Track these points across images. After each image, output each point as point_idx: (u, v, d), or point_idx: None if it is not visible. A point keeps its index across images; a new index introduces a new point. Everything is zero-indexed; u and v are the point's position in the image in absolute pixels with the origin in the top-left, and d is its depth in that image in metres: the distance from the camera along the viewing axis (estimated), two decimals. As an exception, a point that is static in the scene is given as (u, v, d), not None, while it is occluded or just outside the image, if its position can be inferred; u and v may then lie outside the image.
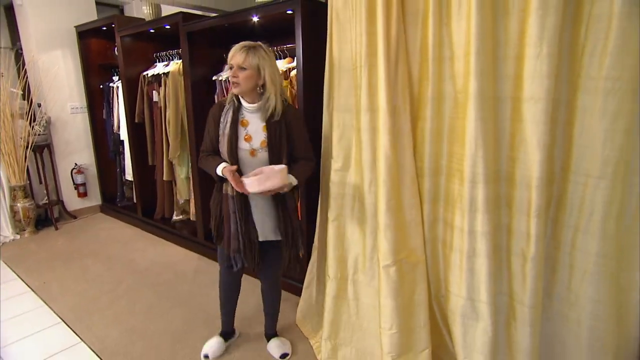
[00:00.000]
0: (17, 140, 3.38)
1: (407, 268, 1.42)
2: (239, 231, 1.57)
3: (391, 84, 1.32)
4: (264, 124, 1.54)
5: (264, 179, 1.43)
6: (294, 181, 1.53)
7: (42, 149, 3.65)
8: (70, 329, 2.12)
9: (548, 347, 1.36)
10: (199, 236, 3.05)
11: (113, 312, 2.24)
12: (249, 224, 1.59)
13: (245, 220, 1.57)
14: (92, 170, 4.01)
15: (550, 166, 1.23)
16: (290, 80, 2.40)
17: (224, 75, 2.72)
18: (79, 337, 2.05)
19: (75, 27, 3.66)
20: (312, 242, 2.09)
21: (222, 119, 1.56)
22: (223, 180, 1.57)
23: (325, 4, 1.66)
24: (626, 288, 1.26)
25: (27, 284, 2.62)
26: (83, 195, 3.99)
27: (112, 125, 3.78)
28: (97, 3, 3.84)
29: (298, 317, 2.16)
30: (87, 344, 1.99)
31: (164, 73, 3.06)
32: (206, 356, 1.84)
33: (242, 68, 1.45)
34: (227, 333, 1.95)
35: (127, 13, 4.34)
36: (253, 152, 1.54)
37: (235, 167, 1.48)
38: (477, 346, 1.33)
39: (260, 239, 1.63)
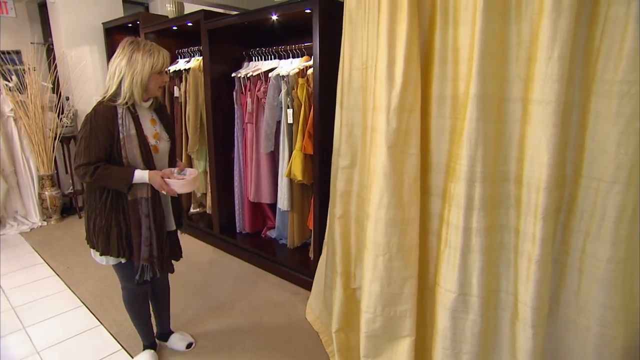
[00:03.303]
0: (46, 131, 3.55)
1: (399, 262, 1.44)
2: (151, 235, 1.53)
3: (394, 84, 1.34)
4: (151, 116, 1.59)
5: (192, 181, 1.54)
6: None
7: (69, 141, 3.81)
8: (91, 312, 2.22)
9: (554, 351, 1.35)
10: (214, 229, 3.14)
11: (131, 298, 2.33)
12: (163, 221, 1.58)
13: (160, 217, 1.56)
14: (115, 162, 4.16)
15: (562, 170, 1.22)
16: (307, 78, 2.43)
17: (243, 72, 2.78)
18: (98, 320, 2.15)
19: (102, 23, 3.80)
20: (323, 238, 2.13)
21: (120, 121, 1.44)
22: (129, 188, 1.48)
23: (343, 4, 1.69)
24: (637, 294, 1.24)
25: (52, 268, 2.76)
26: (106, 185, 4.14)
27: (135, 119, 3.90)
28: (123, 0, 3.97)
29: (307, 311, 2.20)
30: (105, 327, 2.09)
31: (185, 69, 3.15)
32: None
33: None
34: (153, 344, 1.87)
35: (151, 10, 4.47)
36: (156, 148, 1.55)
37: (163, 172, 1.50)
38: (467, 337, 1.36)
39: (168, 229, 1.68)
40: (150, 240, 1.53)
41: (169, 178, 1.50)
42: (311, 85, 2.37)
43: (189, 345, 1.91)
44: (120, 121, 1.44)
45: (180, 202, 1.77)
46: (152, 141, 1.54)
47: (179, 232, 1.79)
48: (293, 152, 2.49)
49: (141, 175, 1.46)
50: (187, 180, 1.52)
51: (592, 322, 1.25)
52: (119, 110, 1.45)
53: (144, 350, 1.84)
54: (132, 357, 1.84)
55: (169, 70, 3.27)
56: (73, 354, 1.89)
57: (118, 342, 1.97)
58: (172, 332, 1.96)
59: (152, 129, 1.57)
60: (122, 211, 1.51)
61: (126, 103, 1.46)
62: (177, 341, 1.92)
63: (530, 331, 1.22)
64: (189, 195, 3.58)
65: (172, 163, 1.66)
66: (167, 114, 1.69)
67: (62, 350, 1.92)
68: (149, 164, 1.51)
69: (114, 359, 1.86)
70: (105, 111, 1.44)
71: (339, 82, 1.76)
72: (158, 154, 1.57)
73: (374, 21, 1.45)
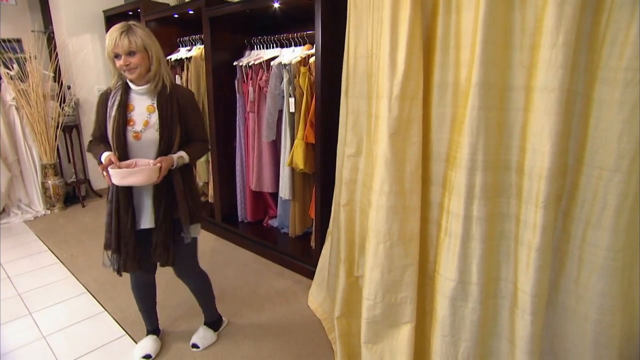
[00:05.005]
0: (48, 120, 3.55)
1: (400, 249, 1.45)
2: (112, 223, 1.49)
3: (396, 71, 1.33)
4: (151, 103, 1.49)
5: (127, 173, 1.38)
6: (185, 158, 1.53)
7: (71, 130, 3.81)
8: (95, 298, 2.25)
9: (552, 338, 1.36)
10: (216, 218, 3.15)
11: (134, 286, 2.36)
12: (127, 212, 1.48)
13: (124, 208, 1.47)
14: (117, 151, 4.17)
15: (564, 158, 1.22)
16: (309, 67, 2.42)
17: (245, 60, 2.76)
18: (102, 306, 2.18)
19: (103, 11, 3.77)
20: (327, 227, 2.14)
21: (109, 103, 1.49)
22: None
23: (345, -9, 1.67)
24: (635, 282, 1.25)
25: (56, 256, 2.79)
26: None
27: (137, 108, 3.90)
28: (124, -12, 3.93)
29: (310, 299, 2.23)
30: (109, 313, 2.12)
31: (186, 58, 3.13)
32: (148, 356, 1.77)
33: (131, 53, 1.40)
34: (156, 330, 1.90)
35: (153, -2, 4.42)
36: (137, 135, 1.47)
37: (111, 154, 1.43)
38: (466, 325, 1.37)
39: (142, 227, 1.52)
40: (110, 227, 1.50)
41: (129, 167, 1.41)
42: (313, 74, 2.36)
43: (193, 345, 1.86)
44: (109, 103, 1.50)
45: (174, 201, 1.52)
46: (138, 127, 1.47)
47: (184, 236, 1.55)
48: (295, 141, 2.49)
49: (104, 156, 1.45)
50: (126, 171, 1.37)
51: (591, 309, 1.26)
52: (112, 93, 1.51)
53: (147, 335, 1.86)
54: (136, 343, 1.87)
55: (170, 59, 3.25)
56: (78, 339, 1.92)
57: (122, 327, 2.00)
58: (206, 323, 1.93)
59: (146, 115, 1.48)
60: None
61: (119, 84, 1.50)
62: (195, 336, 1.89)
63: (529, 318, 1.23)
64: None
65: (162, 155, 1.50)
66: (175, 105, 1.51)
67: (67, 335, 1.95)
68: (120, 149, 1.45)
69: (118, 344, 1.89)
70: (103, 94, 1.55)
71: (344, 70, 1.75)
72: (140, 141, 1.47)
73: (379, 8, 1.44)
